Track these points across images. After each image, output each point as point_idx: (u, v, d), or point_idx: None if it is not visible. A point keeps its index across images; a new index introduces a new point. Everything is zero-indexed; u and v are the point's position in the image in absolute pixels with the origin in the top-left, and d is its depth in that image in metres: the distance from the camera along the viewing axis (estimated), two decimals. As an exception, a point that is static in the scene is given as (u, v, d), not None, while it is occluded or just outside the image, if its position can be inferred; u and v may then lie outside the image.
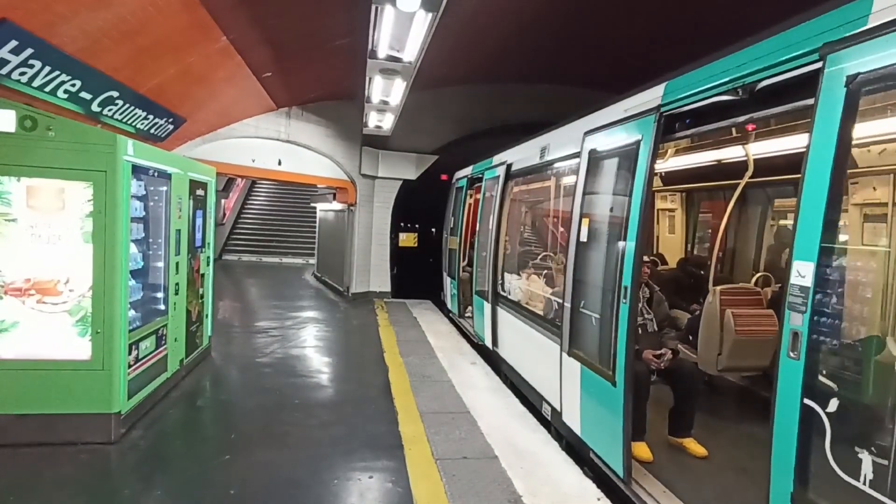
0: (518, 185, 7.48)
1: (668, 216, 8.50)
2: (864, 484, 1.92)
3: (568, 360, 4.52)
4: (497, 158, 7.95)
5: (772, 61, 2.56)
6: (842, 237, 2.30)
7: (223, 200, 20.12)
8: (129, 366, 4.41)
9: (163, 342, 5.15)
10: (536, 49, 9.37)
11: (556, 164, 5.81)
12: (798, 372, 2.17)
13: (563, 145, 5.36)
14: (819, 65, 2.23)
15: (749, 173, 5.35)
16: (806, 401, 2.14)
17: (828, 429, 2.06)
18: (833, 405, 2.07)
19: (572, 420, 4.51)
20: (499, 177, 7.55)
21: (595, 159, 4.42)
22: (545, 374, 5.22)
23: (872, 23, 2.03)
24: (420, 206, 13.97)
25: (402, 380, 6.27)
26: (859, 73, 2.03)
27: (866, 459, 1.91)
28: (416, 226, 14.76)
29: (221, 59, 6.40)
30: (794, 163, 3.25)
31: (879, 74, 1.97)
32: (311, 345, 8.05)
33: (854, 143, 2.19)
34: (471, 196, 9.78)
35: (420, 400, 5.58)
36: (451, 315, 10.52)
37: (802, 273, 2.21)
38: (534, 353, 5.64)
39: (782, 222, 6.59)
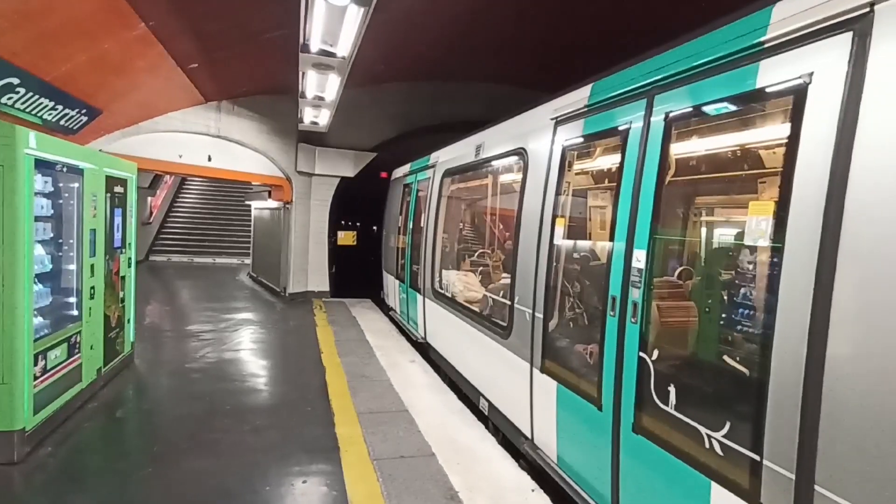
0: (454, 183, 7.54)
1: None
2: (671, 408, 2.59)
3: (541, 378, 3.97)
4: (433, 157, 7.99)
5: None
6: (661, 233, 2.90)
7: (149, 198, 18.93)
8: (35, 377, 4.06)
9: (76, 350, 4.77)
10: (475, 49, 9.47)
11: (493, 162, 5.87)
12: (636, 333, 2.81)
13: (500, 143, 5.40)
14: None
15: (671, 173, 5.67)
16: (641, 354, 2.76)
17: (652, 372, 2.70)
18: (655, 355, 2.73)
19: (547, 447, 3.93)
20: (434, 174, 7.60)
21: (578, 150, 3.96)
22: (488, 373, 5.25)
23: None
24: (359, 203, 13.78)
25: (340, 380, 6.17)
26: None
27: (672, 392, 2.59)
28: (357, 223, 14.52)
29: (141, 47, 6.00)
30: (716, 164, 3.51)
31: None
32: (245, 348, 7.74)
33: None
34: (409, 194, 9.78)
35: (358, 401, 5.51)
36: (391, 313, 10.43)
37: (639, 259, 2.83)
38: (472, 349, 5.70)
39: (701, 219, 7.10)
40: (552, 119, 4.05)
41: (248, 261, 17.67)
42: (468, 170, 6.61)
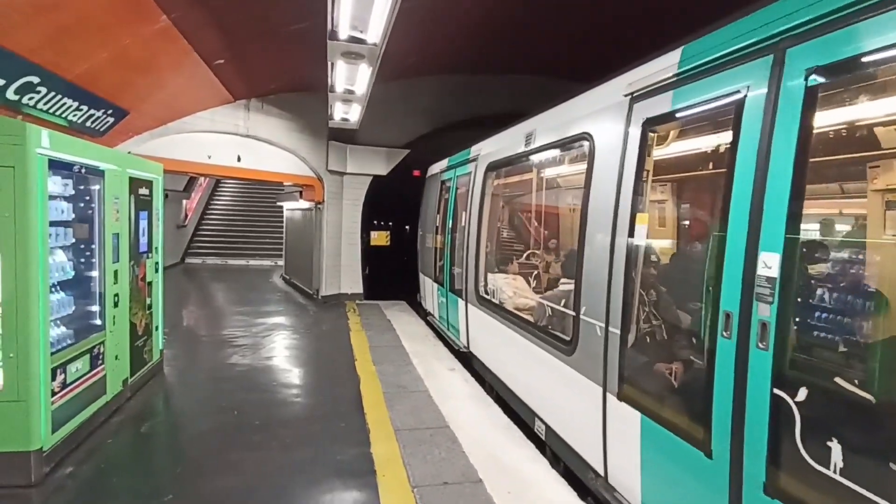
0: (500, 178, 6.95)
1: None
2: (834, 471, 1.96)
3: (618, 407, 3.27)
4: (474, 149, 7.45)
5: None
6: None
7: (185, 201, 19.12)
8: (54, 393, 3.80)
9: (99, 362, 4.52)
10: (509, 38, 8.95)
11: (548, 152, 5.13)
12: (767, 363, 2.23)
13: (557, 129, 4.65)
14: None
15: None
16: (777, 391, 2.11)
17: (797, 417, 2.05)
18: (803, 394, 2.05)
19: (627, 490, 3.25)
20: (476, 169, 7.07)
21: (664, 129, 3.26)
22: (546, 393, 4.59)
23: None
24: (392, 202, 13.44)
25: (375, 391, 5.78)
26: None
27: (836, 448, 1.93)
28: (389, 223, 14.18)
29: (163, 42, 5.74)
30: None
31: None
32: (276, 354, 7.46)
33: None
34: (447, 191, 9.27)
35: (394, 414, 5.10)
36: (429, 318, 9.92)
37: (768, 264, 2.35)
38: (524, 363, 5.08)
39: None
40: (626, 95, 3.40)
41: (281, 263, 17.62)
42: (516, 161, 5.98)
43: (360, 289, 12.15)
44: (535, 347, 4.69)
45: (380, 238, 13.50)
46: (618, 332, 3.23)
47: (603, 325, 3.40)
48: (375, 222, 13.53)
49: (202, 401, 5.52)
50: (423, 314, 10.42)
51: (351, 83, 7.14)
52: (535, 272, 6.90)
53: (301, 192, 12.47)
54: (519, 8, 7.87)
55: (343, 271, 11.98)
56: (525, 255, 7.60)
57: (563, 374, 4.05)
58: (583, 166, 4.07)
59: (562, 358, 4.10)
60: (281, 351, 7.67)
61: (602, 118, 3.78)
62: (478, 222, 6.73)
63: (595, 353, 3.51)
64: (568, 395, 4.02)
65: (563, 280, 5.46)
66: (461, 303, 7.28)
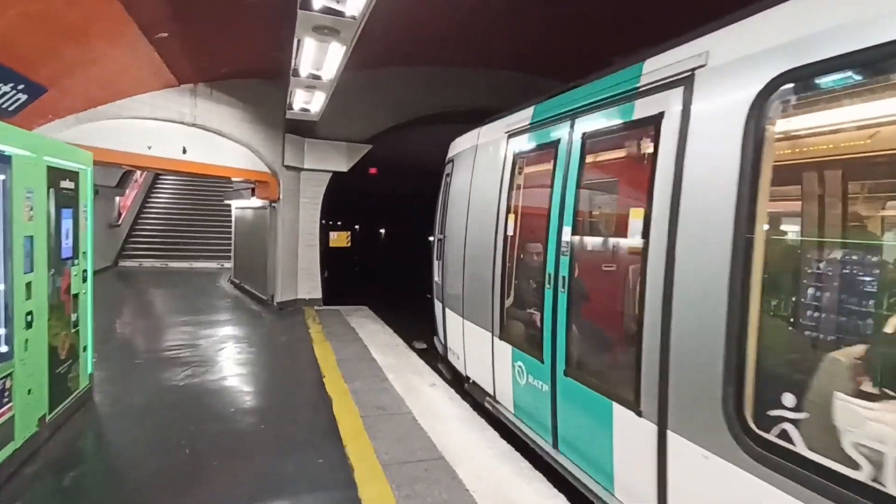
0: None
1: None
2: None
3: None
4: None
5: None
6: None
7: (118, 198, 17.40)
8: (-61, 448, 2.86)
9: (5, 399, 3.56)
10: (486, 30, 8.40)
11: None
12: None
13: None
14: None
15: None
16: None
17: None
18: None
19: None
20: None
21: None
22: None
23: None
24: (353, 201, 12.69)
25: (352, 415, 5.06)
26: None
27: None
28: (357, 225, 13.44)
29: (93, 4, 4.75)
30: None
31: None
32: (232, 373, 6.54)
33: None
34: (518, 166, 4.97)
35: (379, 444, 4.40)
36: (466, 385, 5.93)
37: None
38: None
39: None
40: None
41: (228, 265, 16.36)
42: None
43: (319, 293, 11.28)
44: None
45: (340, 239, 12.70)
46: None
47: None
48: (336, 222, 12.72)
49: (144, 436, 4.58)
50: (450, 371, 6.63)
51: (318, 67, 6.36)
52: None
53: (254, 189, 11.45)
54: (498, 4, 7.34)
55: (300, 275, 11.07)
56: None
57: None
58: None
59: None
60: (236, 368, 6.75)
61: None
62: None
63: None
64: None
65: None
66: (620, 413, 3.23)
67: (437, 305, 7.15)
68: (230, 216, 15.63)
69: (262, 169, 10.31)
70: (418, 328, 9.41)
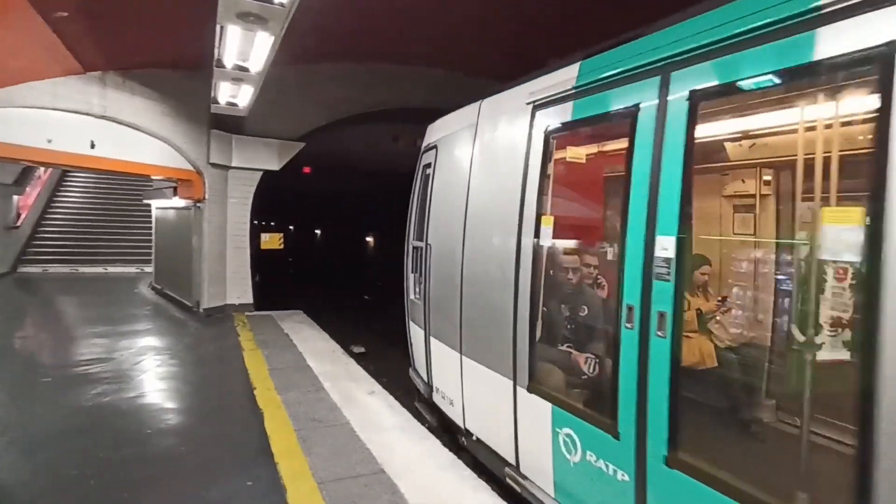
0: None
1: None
2: None
3: None
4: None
5: None
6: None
7: (16, 197, 15.70)
8: None
9: None
10: (418, 28, 8.26)
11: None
12: None
13: None
14: None
15: None
16: None
17: None
18: None
19: None
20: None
21: None
22: None
23: None
24: (285, 201, 12.19)
25: (285, 429, 4.76)
26: None
27: None
28: (290, 227, 12.91)
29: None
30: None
31: None
32: (151, 388, 6.00)
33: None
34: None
35: (314, 460, 4.15)
36: (468, 441, 4.54)
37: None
38: None
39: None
40: None
41: (149, 269, 15.20)
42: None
43: (250, 298, 10.72)
44: None
45: (272, 241, 12.11)
46: None
47: None
48: (268, 223, 12.15)
49: (44, 468, 4.03)
50: (434, 415, 5.28)
51: (245, 58, 5.97)
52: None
53: (176, 189, 10.67)
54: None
55: (229, 279, 10.48)
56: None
57: None
58: None
59: None
60: (156, 384, 6.21)
61: None
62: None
63: None
64: None
65: None
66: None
67: (415, 330, 5.62)
68: (150, 216, 14.54)
69: (184, 167, 9.61)
70: (356, 331, 9.16)
